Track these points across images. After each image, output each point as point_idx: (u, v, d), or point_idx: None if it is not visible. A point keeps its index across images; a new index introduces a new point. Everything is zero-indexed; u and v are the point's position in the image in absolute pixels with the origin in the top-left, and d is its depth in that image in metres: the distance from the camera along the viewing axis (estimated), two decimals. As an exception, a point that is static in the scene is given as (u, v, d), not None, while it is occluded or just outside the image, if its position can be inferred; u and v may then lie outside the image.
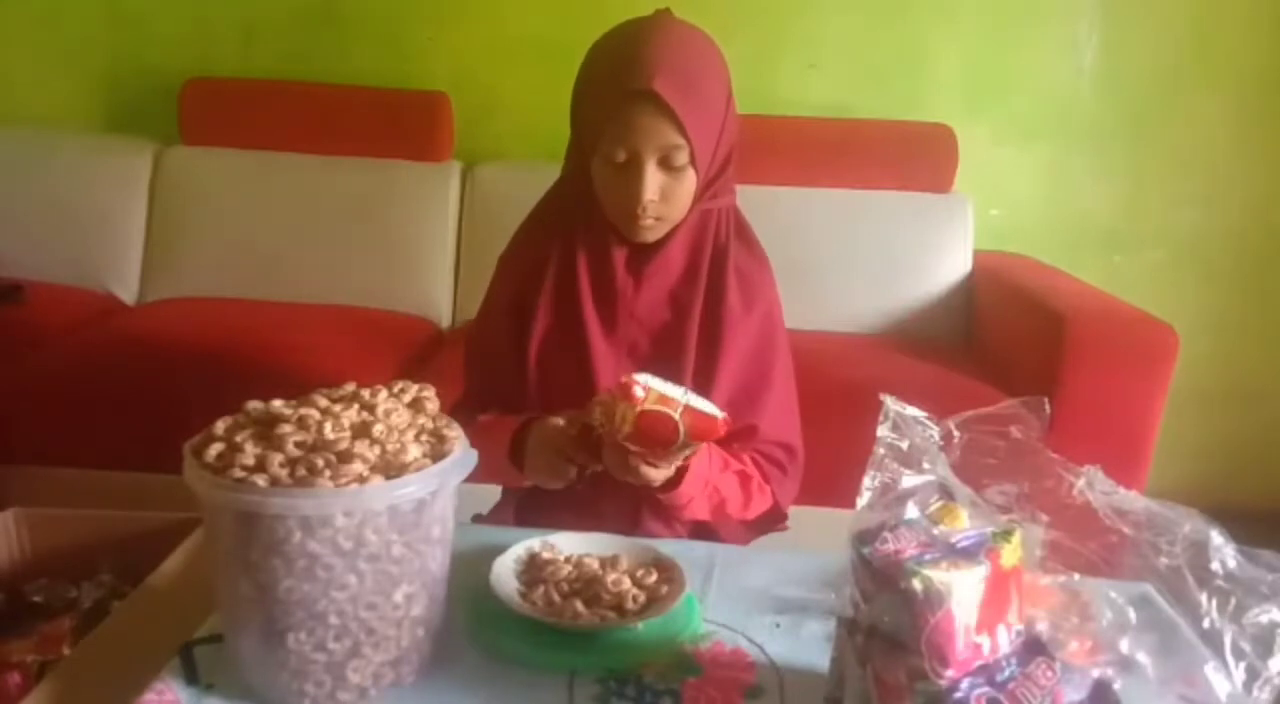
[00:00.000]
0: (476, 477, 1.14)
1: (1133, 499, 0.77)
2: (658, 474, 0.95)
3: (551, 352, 1.09)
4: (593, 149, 1.02)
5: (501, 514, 1.19)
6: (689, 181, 1.02)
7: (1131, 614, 0.78)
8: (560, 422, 1.00)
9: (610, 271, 1.08)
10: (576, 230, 1.08)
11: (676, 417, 0.89)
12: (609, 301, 1.08)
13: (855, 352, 2.12)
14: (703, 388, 1.08)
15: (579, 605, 0.87)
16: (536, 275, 1.10)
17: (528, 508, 1.17)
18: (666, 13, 1.05)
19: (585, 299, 1.08)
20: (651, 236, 1.06)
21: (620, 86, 0.97)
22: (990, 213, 2.46)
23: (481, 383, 1.18)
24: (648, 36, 1.00)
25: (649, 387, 0.90)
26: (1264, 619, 0.68)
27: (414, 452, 0.77)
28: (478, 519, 1.20)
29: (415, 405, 0.84)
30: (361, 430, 0.77)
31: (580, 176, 1.06)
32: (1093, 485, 0.79)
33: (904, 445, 0.80)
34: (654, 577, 0.93)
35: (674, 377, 1.06)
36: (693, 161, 1.00)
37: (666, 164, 1.00)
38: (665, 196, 1.01)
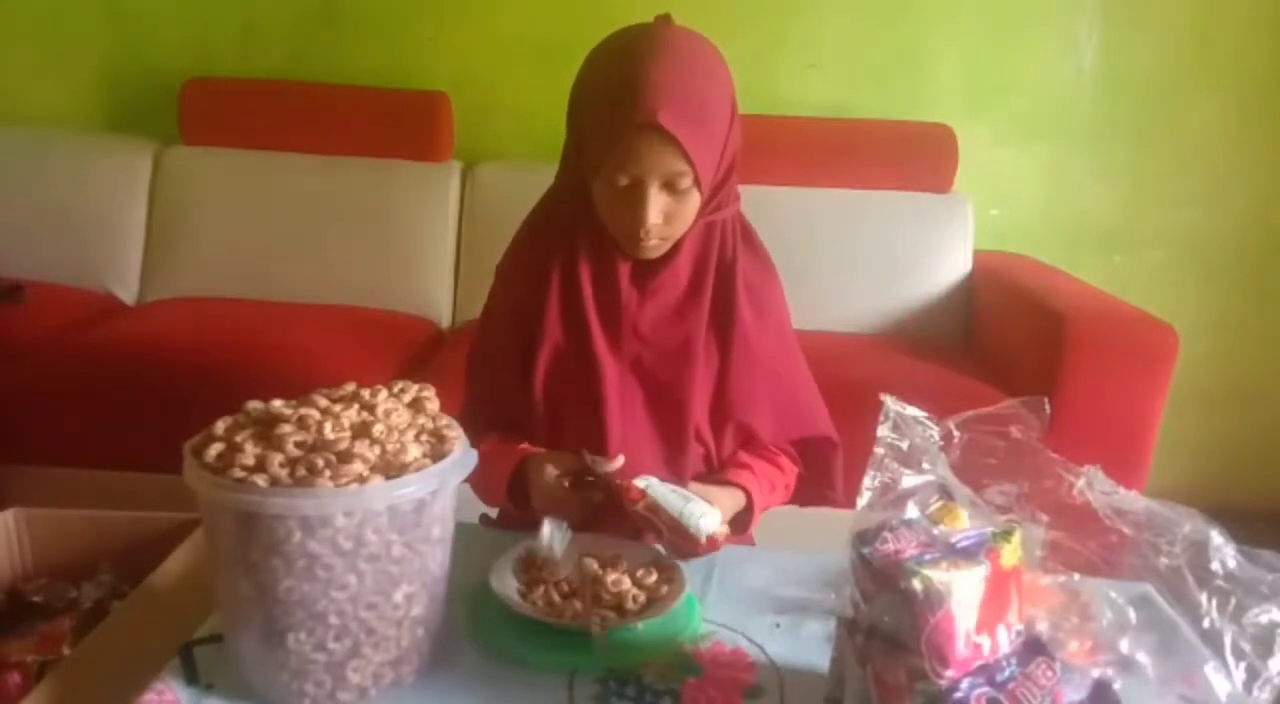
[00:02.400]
0: (483, 498, 1.14)
1: (1133, 499, 0.77)
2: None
3: (559, 366, 1.08)
4: (594, 170, 0.99)
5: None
6: (693, 202, 1.00)
7: (1131, 614, 0.78)
8: (553, 470, 1.00)
9: (614, 285, 1.06)
10: (578, 241, 1.06)
11: (664, 532, 0.94)
12: (613, 316, 1.06)
13: (855, 351, 2.11)
14: (719, 402, 1.08)
15: (579, 605, 0.87)
16: (539, 286, 1.07)
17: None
18: (666, 22, 1.01)
19: (590, 313, 1.06)
20: (654, 254, 1.04)
21: (623, 117, 0.94)
22: (990, 213, 2.46)
23: (486, 398, 1.14)
24: (649, 58, 0.95)
25: (647, 493, 0.94)
26: (1264, 619, 0.68)
27: (414, 452, 0.77)
28: (485, 522, 1.19)
29: (415, 405, 0.84)
30: (361, 430, 0.77)
31: (579, 186, 1.04)
32: (1093, 485, 0.79)
33: (904, 445, 0.80)
34: (654, 577, 0.92)
35: (680, 391, 1.07)
36: (697, 184, 0.98)
37: (671, 188, 0.98)
38: (669, 218, 1.00)
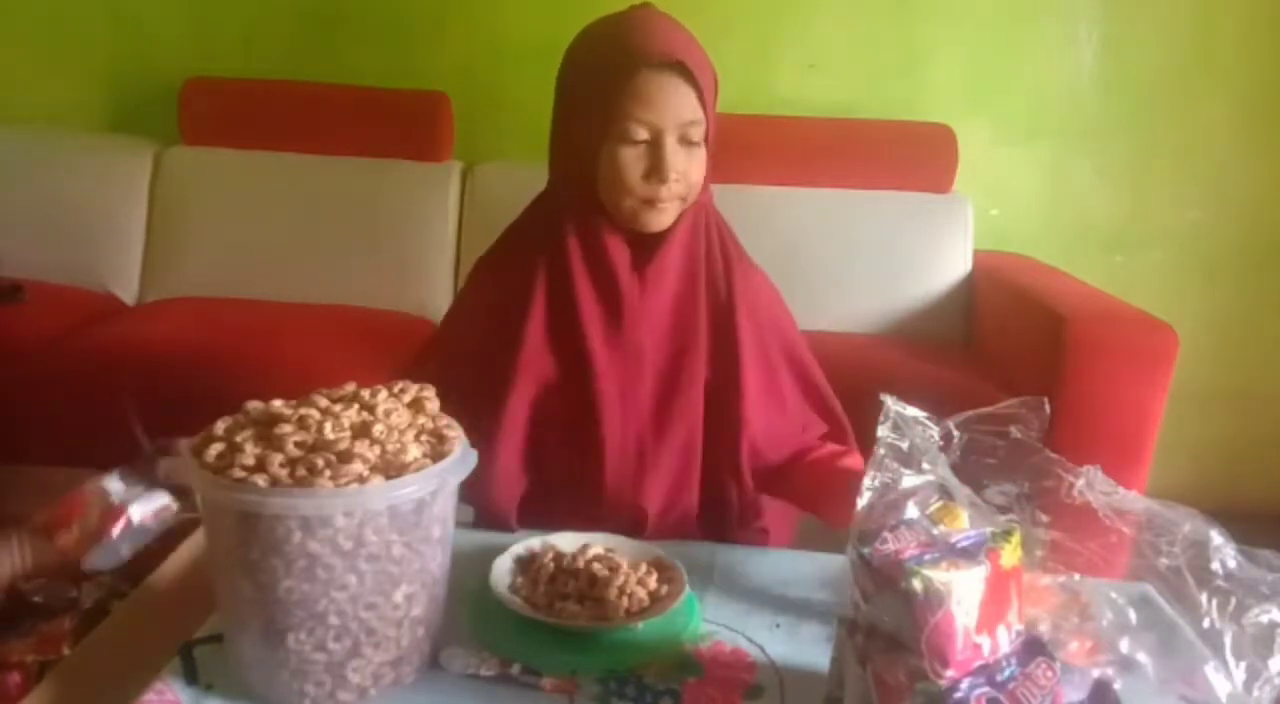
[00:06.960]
0: None
1: (1133, 499, 0.77)
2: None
3: (542, 364, 1.06)
4: (601, 136, 1.00)
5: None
6: (701, 160, 1.02)
7: (1131, 614, 0.78)
8: None
9: (613, 275, 1.05)
10: (568, 239, 1.05)
11: None
12: (614, 307, 1.05)
13: (855, 352, 2.11)
14: (727, 386, 1.07)
15: (578, 606, 0.87)
16: (524, 288, 1.06)
17: (529, 514, 1.14)
18: (648, 6, 1.05)
19: (584, 307, 1.04)
20: (665, 220, 1.03)
21: (643, 61, 0.97)
22: (990, 213, 2.46)
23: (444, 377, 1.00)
24: (648, 21, 1.01)
25: None
26: (1264, 619, 0.68)
27: (414, 452, 0.77)
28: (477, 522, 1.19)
29: (415, 405, 0.84)
30: (361, 430, 0.77)
31: (574, 173, 1.04)
32: (1093, 485, 0.79)
33: (904, 445, 0.80)
34: (654, 577, 0.92)
35: (688, 375, 1.07)
36: (706, 138, 1.00)
37: (685, 140, 1.00)
38: (682, 176, 1.00)
